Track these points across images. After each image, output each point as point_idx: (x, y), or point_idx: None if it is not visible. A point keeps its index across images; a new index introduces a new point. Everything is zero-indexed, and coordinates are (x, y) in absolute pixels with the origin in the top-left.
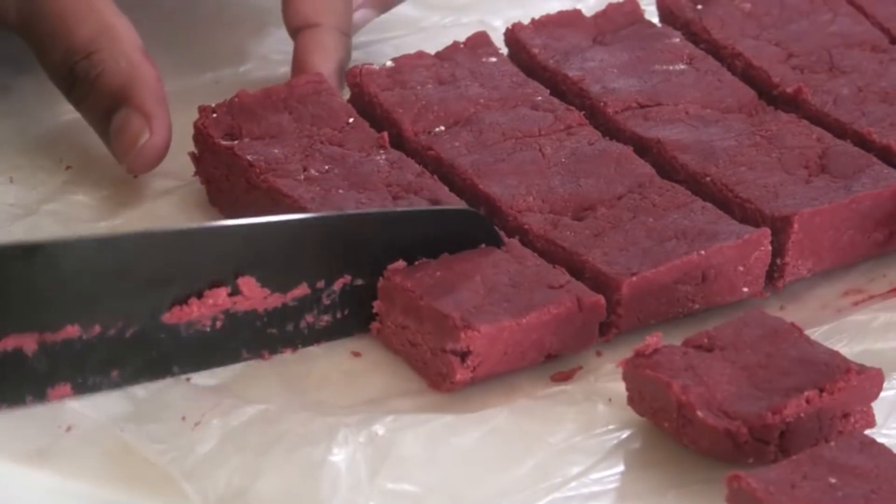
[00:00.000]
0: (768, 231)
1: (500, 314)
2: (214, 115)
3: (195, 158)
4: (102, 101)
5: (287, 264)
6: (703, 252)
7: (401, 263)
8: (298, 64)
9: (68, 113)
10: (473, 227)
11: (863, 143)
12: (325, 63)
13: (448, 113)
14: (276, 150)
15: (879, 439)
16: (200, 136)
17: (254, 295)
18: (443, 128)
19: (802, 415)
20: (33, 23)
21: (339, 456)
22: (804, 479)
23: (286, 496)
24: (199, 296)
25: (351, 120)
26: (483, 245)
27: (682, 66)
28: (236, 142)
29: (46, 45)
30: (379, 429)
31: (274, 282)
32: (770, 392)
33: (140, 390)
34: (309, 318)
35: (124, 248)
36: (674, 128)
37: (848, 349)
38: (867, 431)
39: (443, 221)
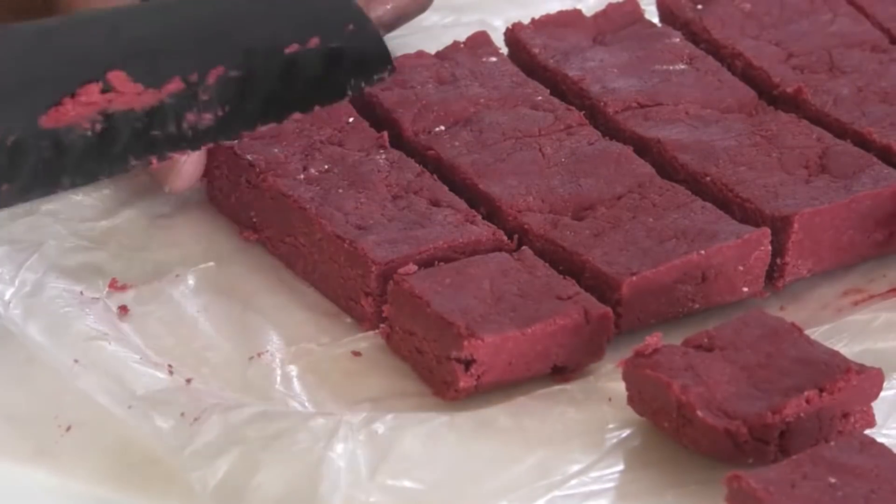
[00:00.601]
0: (768, 231)
1: (505, 324)
2: None
3: None
4: None
5: (156, 56)
6: (703, 252)
7: (411, 267)
8: None
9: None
10: (331, 8)
11: (863, 143)
12: None
13: (448, 113)
14: (275, 150)
15: (879, 439)
16: None
17: (126, 90)
18: (443, 127)
19: (802, 415)
20: None
21: (338, 453)
22: (804, 479)
23: (286, 491)
24: (72, 95)
25: (351, 119)
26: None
27: (683, 66)
28: (236, 141)
29: None
30: (379, 427)
31: (145, 76)
32: (770, 392)
33: (139, 389)
34: (190, 116)
35: None
36: (674, 128)
37: (848, 349)
38: (867, 431)
39: (311, 4)
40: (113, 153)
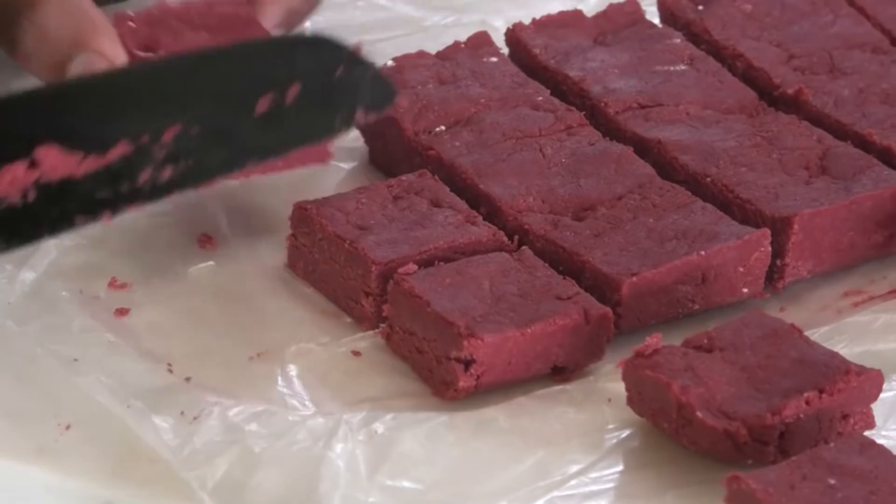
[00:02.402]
0: (768, 232)
1: (505, 324)
2: (132, 24)
3: None
4: (54, 52)
5: (96, 125)
6: (703, 253)
7: (412, 267)
8: None
9: None
10: (316, 53)
11: (863, 144)
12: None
13: (449, 113)
14: None
15: (879, 441)
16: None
17: (60, 163)
18: (443, 127)
19: (802, 416)
20: None
21: (338, 453)
22: (804, 481)
23: (285, 491)
24: None
25: None
26: (348, 69)
27: (683, 67)
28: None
29: None
30: (379, 427)
31: (86, 144)
32: (770, 393)
33: (138, 387)
34: (144, 174)
35: None
36: (674, 128)
37: (848, 350)
38: (867, 433)
39: (293, 51)
40: (52, 216)
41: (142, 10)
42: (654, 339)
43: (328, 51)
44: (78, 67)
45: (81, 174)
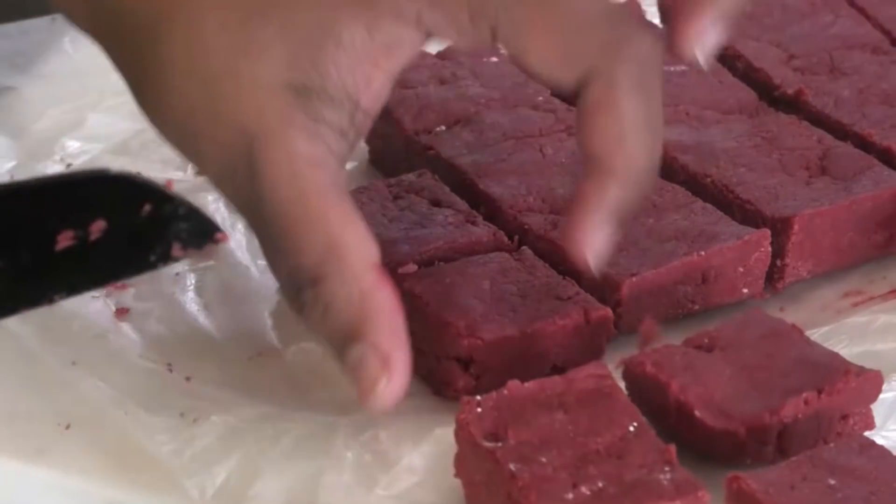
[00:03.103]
0: (768, 232)
1: (504, 324)
2: (479, 409)
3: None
4: (335, 334)
5: None
6: (703, 253)
7: (411, 267)
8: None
9: (69, 111)
10: (120, 190)
11: (863, 144)
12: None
13: (449, 112)
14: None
15: (879, 441)
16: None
17: None
18: (443, 127)
19: (801, 416)
20: (259, 227)
21: (338, 458)
22: (803, 481)
23: (285, 501)
24: None
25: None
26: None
27: (683, 67)
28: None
29: (272, 258)
30: (379, 430)
31: None
32: (769, 393)
33: (138, 387)
34: None
35: None
36: (674, 128)
37: (847, 351)
38: (866, 433)
39: (70, 189)
40: None
41: (492, 394)
42: (647, 326)
43: (132, 188)
44: (351, 360)
45: None
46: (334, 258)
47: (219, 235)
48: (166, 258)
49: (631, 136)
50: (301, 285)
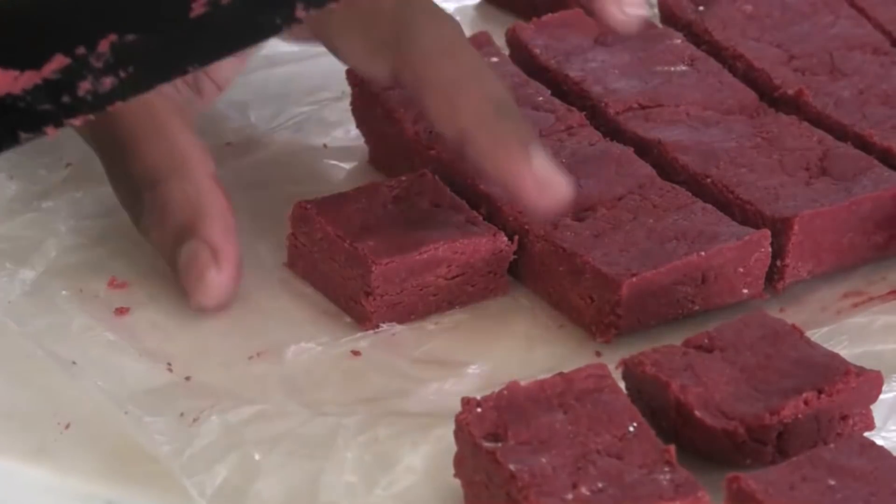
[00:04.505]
0: (768, 233)
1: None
2: (479, 409)
3: None
4: (169, 234)
5: (27, 40)
6: (703, 253)
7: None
8: None
9: None
10: None
11: (863, 145)
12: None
13: None
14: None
15: (879, 442)
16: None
17: None
18: None
19: (801, 416)
20: (103, 144)
21: (338, 458)
22: (803, 481)
23: (285, 498)
24: None
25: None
26: None
27: (684, 68)
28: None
29: (114, 170)
30: (378, 430)
31: (18, 61)
32: (769, 393)
33: (138, 386)
34: (84, 84)
35: None
36: (675, 129)
37: (847, 351)
38: (866, 434)
39: None
40: None
41: (492, 394)
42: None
43: None
44: (183, 255)
45: (20, 90)
46: (176, 163)
47: None
48: (290, 20)
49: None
50: (141, 188)
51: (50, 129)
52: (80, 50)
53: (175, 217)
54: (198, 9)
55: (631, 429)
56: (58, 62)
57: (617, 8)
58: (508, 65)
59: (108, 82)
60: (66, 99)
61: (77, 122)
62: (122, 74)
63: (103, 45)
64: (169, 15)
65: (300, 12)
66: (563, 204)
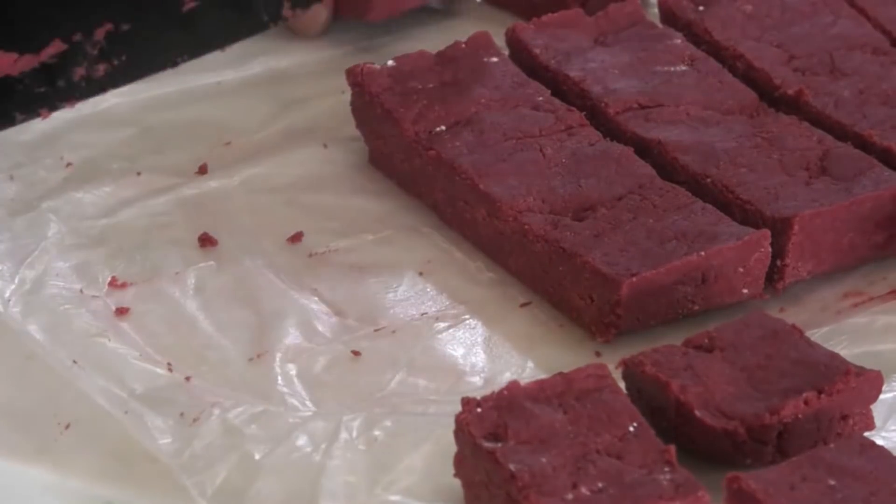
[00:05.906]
0: (768, 232)
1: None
2: (479, 409)
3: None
4: None
5: (26, 24)
6: (703, 253)
7: None
8: None
9: (69, 111)
10: None
11: (863, 145)
12: None
13: (449, 113)
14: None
15: (878, 441)
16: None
17: None
18: (444, 127)
19: (801, 416)
20: None
21: (338, 462)
22: (803, 481)
23: (285, 498)
24: None
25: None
26: None
27: (684, 68)
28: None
29: None
30: (378, 430)
31: (18, 44)
32: (769, 393)
33: (138, 386)
34: (79, 70)
35: None
36: (675, 129)
37: (847, 351)
38: (866, 434)
39: None
40: None
41: (491, 394)
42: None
43: None
44: None
45: (18, 72)
46: None
47: None
48: (276, 18)
49: None
50: None
51: (44, 112)
52: (77, 36)
53: None
54: (189, 3)
55: (631, 429)
56: (55, 47)
57: None
58: (508, 65)
59: (101, 69)
60: (61, 83)
61: (70, 105)
62: (115, 62)
63: (99, 34)
64: (162, 7)
65: (287, 11)
66: None
